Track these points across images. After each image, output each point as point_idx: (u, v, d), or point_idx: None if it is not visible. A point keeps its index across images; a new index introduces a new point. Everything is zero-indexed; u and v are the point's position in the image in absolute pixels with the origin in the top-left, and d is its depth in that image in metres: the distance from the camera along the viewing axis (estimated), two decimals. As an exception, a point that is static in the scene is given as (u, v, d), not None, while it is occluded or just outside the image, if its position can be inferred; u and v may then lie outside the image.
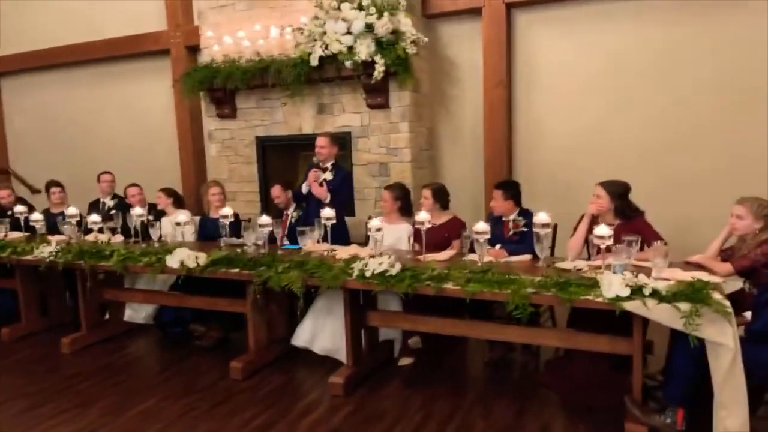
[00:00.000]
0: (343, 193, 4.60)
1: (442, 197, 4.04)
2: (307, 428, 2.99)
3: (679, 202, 4.86)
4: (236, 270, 3.55)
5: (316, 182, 4.50)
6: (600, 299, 2.59)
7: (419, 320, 3.47)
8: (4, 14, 8.20)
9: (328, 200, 4.34)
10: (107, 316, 4.66)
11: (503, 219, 3.74)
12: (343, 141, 5.63)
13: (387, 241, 3.98)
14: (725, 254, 3.11)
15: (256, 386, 3.54)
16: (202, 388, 3.57)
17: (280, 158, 6.12)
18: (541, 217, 2.96)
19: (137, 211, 4.35)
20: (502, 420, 2.98)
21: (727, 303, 2.41)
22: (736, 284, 3.04)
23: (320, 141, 4.62)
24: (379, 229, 3.52)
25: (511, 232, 3.66)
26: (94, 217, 4.58)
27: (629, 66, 5.11)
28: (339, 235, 4.07)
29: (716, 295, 2.47)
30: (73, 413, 3.27)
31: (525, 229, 3.56)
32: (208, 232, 4.82)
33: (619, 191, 3.37)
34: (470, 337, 3.90)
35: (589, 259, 3.26)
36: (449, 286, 2.93)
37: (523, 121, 5.58)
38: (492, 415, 3.05)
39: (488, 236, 3.20)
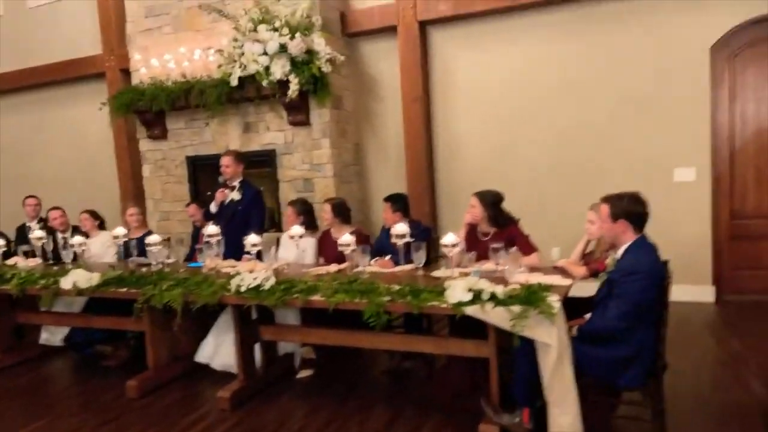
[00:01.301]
0: (254, 212, 4.65)
1: (342, 212, 4.14)
2: (186, 442, 3.05)
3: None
4: (125, 289, 3.61)
5: (223, 201, 4.58)
6: (445, 305, 2.69)
7: (310, 332, 3.54)
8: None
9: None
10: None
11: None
12: (268, 158, 5.75)
13: (292, 254, 4.08)
14: (587, 258, 3.22)
15: (149, 404, 3.58)
16: (96, 407, 3.60)
17: (211, 177, 6.16)
18: (397, 228, 3.06)
19: (36, 234, 4.41)
20: (373, 426, 3.05)
21: (556, 305, 2.50)
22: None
23: (224, 160, 4.71)
24: (301, 236, 3.65)
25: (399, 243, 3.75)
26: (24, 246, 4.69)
27: (537, 80, 5.28)
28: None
29: (551, 299, 2.57)
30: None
31: (411, 240, 3.65)
32: (129, 252, 4.87)
33: (491, 200, 3.49)
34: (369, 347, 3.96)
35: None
36: (317, 297, 3.02)
37: (442, 135, 5.73)
38: (367, 422, 3.12)
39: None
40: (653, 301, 2.44)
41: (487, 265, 3.20)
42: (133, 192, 6.90)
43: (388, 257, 3.71)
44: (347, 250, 3.31)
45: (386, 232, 3.88)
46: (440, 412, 3.16)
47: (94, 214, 5.29)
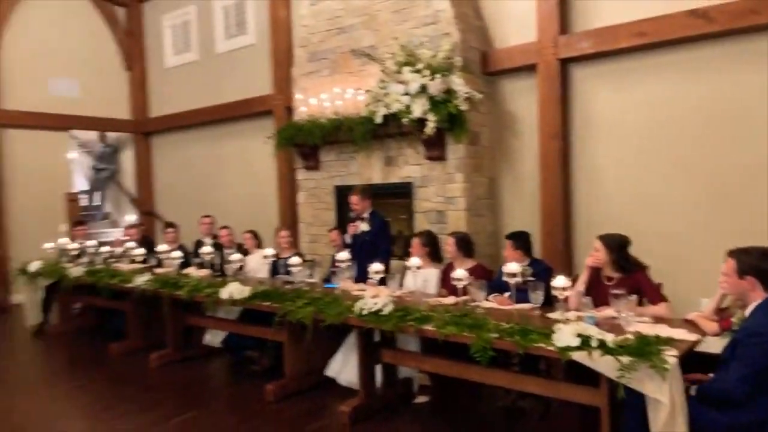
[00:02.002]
0: (380, 241, 5.00)
1: (464, 245, 4.28)
2: (306, 448, 3.39)
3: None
4: (268, 303, 4.10)
5: (355, 233, 5.00)
6: (551, 348, 2.70)
7: (426, 360, 3.73)
8: (152, 85, 10.00)
9: None
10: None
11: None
12: (406, 190, 6.09)
13: (417, 283, 4.32)
14: (723, 313, 2.99)
15: (282, 409, 4.01)
16: (238, 405, 4.13)
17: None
18: (509, 267, 3.12)
19: (205, 249, 5.17)
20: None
21: (671, 361, 2.39)
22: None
23: (353, 199, 5.16)
24: (418, 267, 3.90)
25: (510, 281, 3.78)
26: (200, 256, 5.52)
27: (684, 119, 4.96)
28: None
29: (667, 353, 2.46)
30: (133, 416, 3.98)
31: (533, 279, 3.67)
32: (277, 270, 5.49)
33: (616, 244, 3.39)
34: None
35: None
36: (429, 327, 3.19)
37: (582, 173, 5.59)
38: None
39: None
40: (780, 367, 2.24)
41: (607, 312, 3.12)
42: (290, 216, 7.68)
43: (507, 294, 3.75)
44: (459, 285, 3.44)
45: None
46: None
47: (254, 234, 6.04)
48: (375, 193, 6.33)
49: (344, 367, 4.25)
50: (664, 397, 2.34)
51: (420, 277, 4.30)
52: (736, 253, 2.47)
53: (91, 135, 10.76)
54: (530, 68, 5.69)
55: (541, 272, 3.67)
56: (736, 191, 4.75)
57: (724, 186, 4.81)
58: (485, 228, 5.92)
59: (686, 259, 4.76)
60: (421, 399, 4.05)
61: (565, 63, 5.53)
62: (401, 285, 4.15)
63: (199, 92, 9.04)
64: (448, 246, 4.30)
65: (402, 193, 6.16)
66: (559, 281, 2.92)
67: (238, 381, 4.75)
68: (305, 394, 4.25)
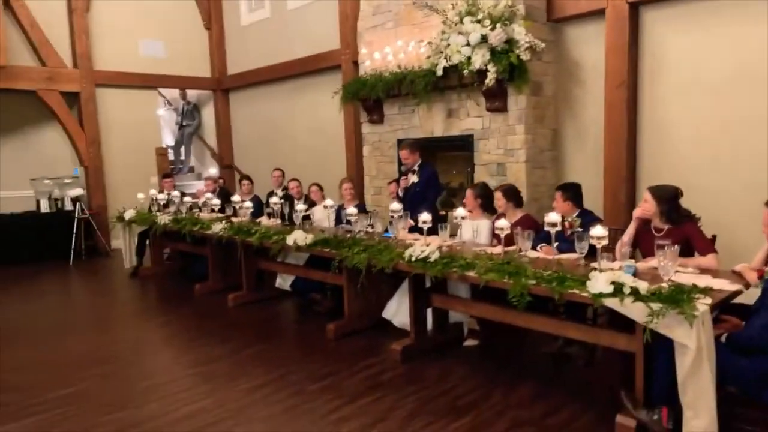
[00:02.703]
0: (429, 191, 5.18)
1: (513, 197, 4.34)
2: (359, 380, 3.70)
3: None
4: (327, 249, 4.40)
5: (406, 186, 5.20)
6: (585, 294, 2.79)
7: (472, 305, 3.91)
8: (230, 43, 10.43)
9: None
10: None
11: (564, 219, 3.92)
12: (467, 142, 6.15)
13: (468, 234, 4.46)
14: (770, 264, 2.93)
15: (340, 346, 4.36)
16: (302, 342, 4.55)
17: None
18: (550, 216, 3.19)
19: (273, 200, 5.55)
20: (515, 400, 3.31)
21: (701, 308, 2.42)
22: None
23: (402, 153, 5.38)
24: (463, 217, 4.06)
25: (569, 232, 3.83)
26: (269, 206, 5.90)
27: (764, 67, 4.63)
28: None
29: (701, 301, 2.49)
30: (212, 347, 4.47)
31: (580, 229, 3.70)
32: (340, 219, 5.80)
33: (666, 196, 3.36)
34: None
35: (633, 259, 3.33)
36: (471, 273, 3.35)
37: (648, 123, 5.40)
38: (511, 395, 3.38)
39: (558, 228, 3.48)
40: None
41: (651, 262, 3.13)
42: (356, 169, 7.94)
43: (555, 244, 3.82)
44: (502, 234, 3.55)
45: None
46: (583, 397, 3.26)
47: (319, 187, 6.35)
48: (437, 145, 6.48)
49: (399, 309, 4.51)
50: (691, 343, 2.39)
51: (472, 227, 4.43)
52: (775, 201, 2.43)
53: (175, 93, 11.45)
54: (598, 13, 5.47)
55: (590, 223, 3.68)
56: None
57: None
58: (547, 180, 5.90)
59: (752, 213, 4.55)
60: (471, 342, 4.26)
61: (635, 6, 5.27)
62: (455, 234, 4.30)
63: (272, 49, 9.36)
64: (497, 200, 4.38)
65: (463, 145, 6.22)
66: (597, 231, 2.97)
67: (303, 320, 5.17)
68: (362, 333, 4.57)
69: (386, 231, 4.99)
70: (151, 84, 9.95)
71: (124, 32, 9.48)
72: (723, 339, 2.49)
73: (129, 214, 7.16)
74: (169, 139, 11.95)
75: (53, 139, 9.25)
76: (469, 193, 4.63)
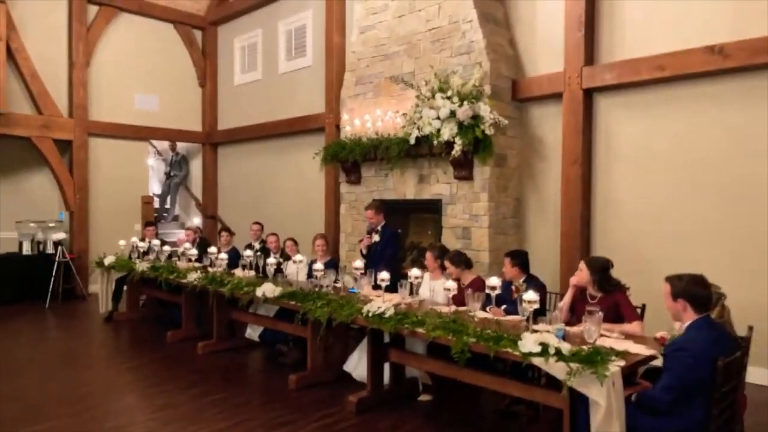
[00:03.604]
0: (387, 251, 5.59)
1: (463, 261, 4.70)
2: (313, 428, 3.89)
3: (746, 285, 4.70)
4: (293, 302, 4.67)
5: (369, 244, 5.66)
6: (517, 353, 3.08)
7: (425, 361, 4.16)
8: (222, 100, 10.96)
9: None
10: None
11: (512, 283, 4.25)
12: (436, 206, 6.54)
13: (427, 293, 4.76)
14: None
15: (301, 396, 4.54)
16: (264, 390, 4.72)
17: (390, 217, 7.20)
18: (491, 281, 3.52)
19: (247, 253, 5.84)
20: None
21: (612, 369, 2.72)
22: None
23: (367, 213, 5.83)
24: (417, 277, 4.36)
25: (515, 295, 4.14)
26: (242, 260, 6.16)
27: (701, 149, 5.15)
28: (390, 284, 4.93)
29: (614, 363, 2.80)
30: (177, 392, 4.64)
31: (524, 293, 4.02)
32: (311, 274, 6.06)
33: (598, 266, 3.71)
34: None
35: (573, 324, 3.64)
36: (420, 330, 3.63)
37: (602, 198, 5.84)
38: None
39: (498, 291, 3.81)
40: (702, 380, 2.51)
41: (582, 326, 3.44)
42: (334, 226, 8.27)
43: (503, 307, 4.13)
44: (449, 294, 3.87)
45: (506, 284, 4.30)
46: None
47: (294, 241, 6.65)
48: (409, 207, 6.86)
49: (359, 363, 4.73)
50: (602, 400, 2.67)
51: (430, 286, 4.73)
52: (671, 279, 2.77)
53: (165, 144, 11.87)
54: (557, 96, 6.02)
55: (535, 288, 4.00)
56: (746, 218, 4.88)
57: (735, 213, 4.95)
58: (509, 245, 6.22)
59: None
60: (425, 397, 4.47)
61: (590, 92, 5.82)
62: (416, 293, 4.59)
63: (262, 108, 9.88)
64: (447, 267, 4.70)
65: (432, 208, 6.61)
66: (528, 296, 3.29)
67: (269, 370, 5.35)
68: (324, 385, 4.75)
69: (352, 288, 5.27)
70: (143, 135, 10.39)
71: (122, 86, 9.98)
72: (633, 398, 2.77)
73: (109, 260, 7.38)
74: (156, 188, 12.28)
75: (42, 184, 9.53)
76: (428, 255, 4.96)
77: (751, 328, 3.16)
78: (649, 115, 5.49)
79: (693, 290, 2.68)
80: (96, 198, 9.64)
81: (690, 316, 2.69)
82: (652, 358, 3.06)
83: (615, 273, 4.01)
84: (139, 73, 10.20)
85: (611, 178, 5.77)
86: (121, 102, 9.99)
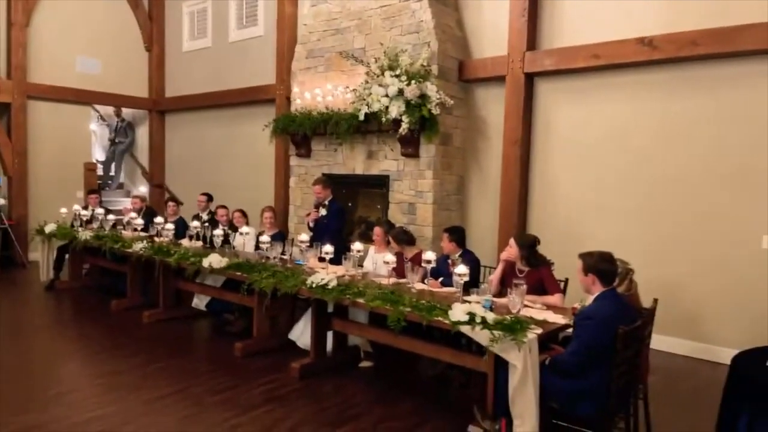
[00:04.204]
0: (332, 224, 5.83)
1: (404, 238, 4.95)
2: (257, 394, 4.07)
3: (668, 262, 5.16)
4: (239, 273, 4.79)
5: (316, 219, 5.89)
6: (447, 322, 3.34)
7: (366, 330, 4.39)
8: (169, 66, 10.70)
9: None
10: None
11: (449, 257, 4.51)
12: (383, 182, 6.72)
13: (370, 266, 4.97)
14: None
15: (246, 363, 4.70)
16: (211, 358, 4.86)
17: (339, 191, 7.35)
18: (426, 255, 3.77)
19: (193, 224, 5.91)
20: (392, 412, 3.79)
21: (530, 336, 3.01)
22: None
23: (315, 188, 6.02)
24: (359, 251, 4.55)
25: (452, 269, 4.40)
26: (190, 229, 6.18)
27: (635, 135, 5.52)
28: (335, 257, 5.11)
29: (532, 331, 3.09)
30: (122, 360, 4.72)
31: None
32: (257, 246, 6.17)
33: (526, 243, 4.01)
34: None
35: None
36: (360, 300, 3.85)
37: (538, 178, 6.17)
38: (392, 407, 3.86)
39: (432, 265, 4.05)
40: (606, 346, 2.83)
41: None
42: (283, 198, 8.34)
43: (440, 279, 4.39)
44: (388, 267, 4.10)
45: (443, 258, 4.57)
46: (450, 412, 3.78)
47: (242, 213, 6.71)
48: (357, 182, 7.02)
49: (304, 331, 4.91)
50: (519, 363, 2.96)
51: (373, 260, 4.94)
52: (583, 255, 3.08)
53: (109, 109, 11.52)
54: (500, 79, 6.25)
55: (469, 263, 4.27)
56: (668, 201, 5.31)
57: (659, 196, 5.36)
58: (452, 221, 6.50)
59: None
60: (366, 364, 4.71)
61: (531, 77, 6.08)
62: (360, 265, 4.78)
63: (210, 76, 9.72)
64: (391, 242, 4.93)
65: (380, 184, 6.80)
66: (460, 269, 3.54)
67: (215, 339, 5.48)
68: (269, 353, 4.92)
69: (298, 260, 5.43)
70: (86, 100, 10.06)
71: (63, 48, 9.60)
72: (547, 362, 3.07)
73: (50, 228, 7.23)
74: (99, 155, 11.94)
75: (-23, 148, 9.15)
76: (377, 229, 5.18)
77: (656, 300, 3.51)
78: (585, 100, 5.81)
79: (601, 266, 2.98)
80: (36, 163, 9.34)
81: (598, 289, 3.00)
82: (568, 326, 3.37)
83: (547, 249, 4.34)
84: (82, 34, 9.83)
85: (549, 159, 6.09)
86: (63, 64, 9.62)
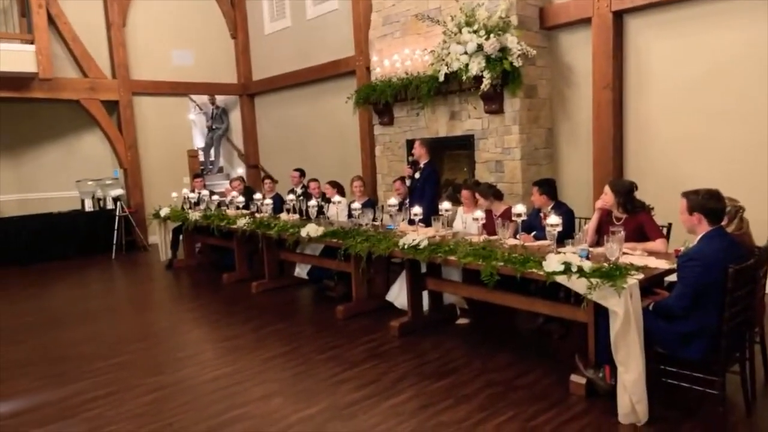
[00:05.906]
0: (426, 188, 5.77)
1: (493, 192, 4.91)
2: (360, 351, 4.28)
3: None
4: (335, 240, 5.00)
5: (412, 177, 5.84)
6: (542, 273, 3.31)
7: (461, 287, 4.45)
8: (254, 50, 11.12)
9: None
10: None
11: (541, 211, 4.43)
12: (468, 142, 6.67)
13: (460, 225, 5.01)
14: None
15: (347, 325, 4.94)
16: (314, 321, 5.15)
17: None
18: (516, 208, 3.72)
19: (289, 197, 6.18)
20: (493, 365, 3.84)
21: (630, 282, 2.92)
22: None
23: (415, 144, 5.84)
24: (447, 210, 4.61)
25: (545, 222, 4.33)
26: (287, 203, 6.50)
27: (741, 70, 5.05)
28: (426, 221, 5.17)
29: (632, 277, 3.00)
30: (236, 326, 5.13)
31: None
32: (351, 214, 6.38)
33: (623, 189, 3.84)
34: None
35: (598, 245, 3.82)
36: (452, 257, 3.90)
37: (633, 122, 5.84)
38: (490, 361, 3.92)
39: (524, 218, 4.03)
40: (712, 286, 2.69)
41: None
42: (370, 167, 8.51)
43: (533, 234, 4.34)
44: (478, 223, 4.09)
45: (535, 212, 4.49)
46: (551, 363, 3.78)
47: (333, 184, 6.93)
48: (442, 145, 7.00)
49: (400, 292, 5.07)
50: (620, 310, 2.89)
51: (462, 219, 4.96)
52: (687, 194, 2.90)
53: (204, 98, 12.22)
54: (586, 21, 5.93)
55: (562, 214, 4.17)
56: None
57: (764, 134, 4.91)
58: (543, 175, 6.31)
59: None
60: (462, 321, 4.79)
61: (619, 15, 5.72)
62: (449, 225, 4.83)
63: (293, 55, 10.00)
64: (478, 199, 4.90)
65: (465, 144, 6.74)
66: (551, 220, 3.48)
67: (317, 304, 5.79)
68: (368, 314, 5.14)
69: (390, 225, 5.56)
70: (182, 91, 10.73)
71: (157, 44, 10.26)
72: (651, 308, 2.98)
73: (164, 212, 7.90)
74: (199, 142, 12.74)
75: (94, 144, 10.11)
76: (464, 191, 5.18)
77: (771, 239, 3.27)
78: (681, 33, 5.38)
79: (708, 204, 2.81)
80: (145, 154, 10.15)
81: (704, 228, 2.84)
82: (672, 271, 3.23)
83: (645, 195, 4.15)
84: (173, 29, 10.44)
85: (642, 101, 5.74)
86: (160, 59, 10.30)
